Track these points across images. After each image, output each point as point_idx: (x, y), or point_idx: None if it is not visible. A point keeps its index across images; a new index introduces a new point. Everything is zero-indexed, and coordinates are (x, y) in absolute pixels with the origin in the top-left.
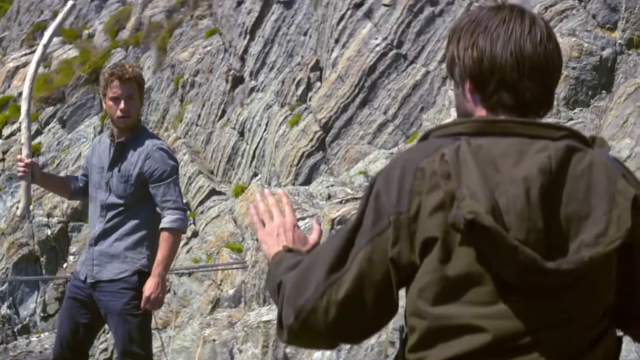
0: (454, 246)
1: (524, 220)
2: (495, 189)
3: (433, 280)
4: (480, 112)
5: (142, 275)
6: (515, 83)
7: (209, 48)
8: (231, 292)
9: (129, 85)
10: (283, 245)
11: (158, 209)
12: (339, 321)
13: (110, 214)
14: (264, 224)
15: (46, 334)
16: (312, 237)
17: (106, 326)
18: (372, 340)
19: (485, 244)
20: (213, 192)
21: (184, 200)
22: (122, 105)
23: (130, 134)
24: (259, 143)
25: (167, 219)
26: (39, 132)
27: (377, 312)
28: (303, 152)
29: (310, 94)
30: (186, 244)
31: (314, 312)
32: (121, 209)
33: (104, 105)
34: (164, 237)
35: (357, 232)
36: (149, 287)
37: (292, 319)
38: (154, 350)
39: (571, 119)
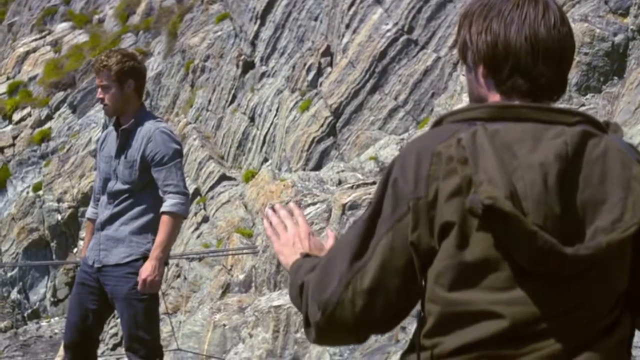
0: (470, 231)
1: (541, 206)
2: (513, 175)
3: (450, 266)
4: (494, 97)
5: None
6: (529, 68)
7: (219, 33)
8: (241, 277)
9: (101, 75)
10: (300, 252)
11: (160, 193)
12: (366, 311)
13: (117, 201)
14: (278, 237)
15: (56, 318)
16: (328, 244)
17: (116, 311)
18: None
19: (503, 230)
20: (223, 178)
21: (195, 186)
22: (98, 93)
23: (133, 119)
24: (269, 128)
25: (168, 203)
26: (49, 117)
27: (403, 298)
28: (314, 138)
29: (320, 80)
30: (197, 229)
31: (340, 305)
32: (127, 194)
33: None
34: (163, 220)
35: (375, 220)
36: (145, 269)
37: (318, 315)
38: (164, 335)
39: (583, 105)
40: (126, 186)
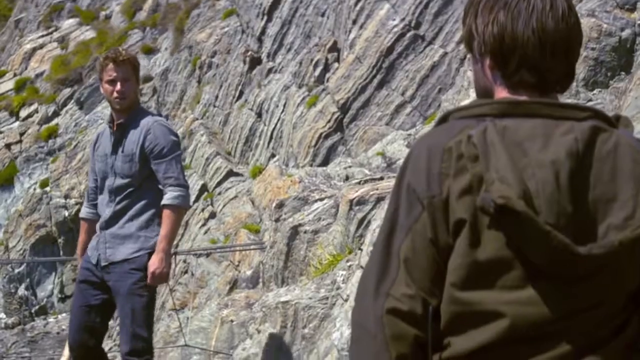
0: (482, 230)
1: (553, 205)
2: (524, 173)
3: (462, 264)
4: (501, 91)
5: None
6: (537, 62)
7: (226, 29)
8: (249, 273)
9: (124, 68)
10: None
11: (160, 186)
12: (411, 315)
13: (119, 197)
14: None
15: (64, 315)
16: None
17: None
18: None
19: (516, 229)
20: (231, 173)
21: (202, 182)
22: (118, 87)
23: (129, 115)
24: (276, 124)
25: (169, 196)
26: (56, 114)
27: (440, 297)
28: (321, 133)
29: (327, 75)
30: (204, 225)
31: (385, 316)
32: (129, 190)
33: (101, 90)
34: (166, 214)
35: (394, 226)
36: (153, 263)
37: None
38: (172, 331)
39: (590, 100)
40: (126, 180)
